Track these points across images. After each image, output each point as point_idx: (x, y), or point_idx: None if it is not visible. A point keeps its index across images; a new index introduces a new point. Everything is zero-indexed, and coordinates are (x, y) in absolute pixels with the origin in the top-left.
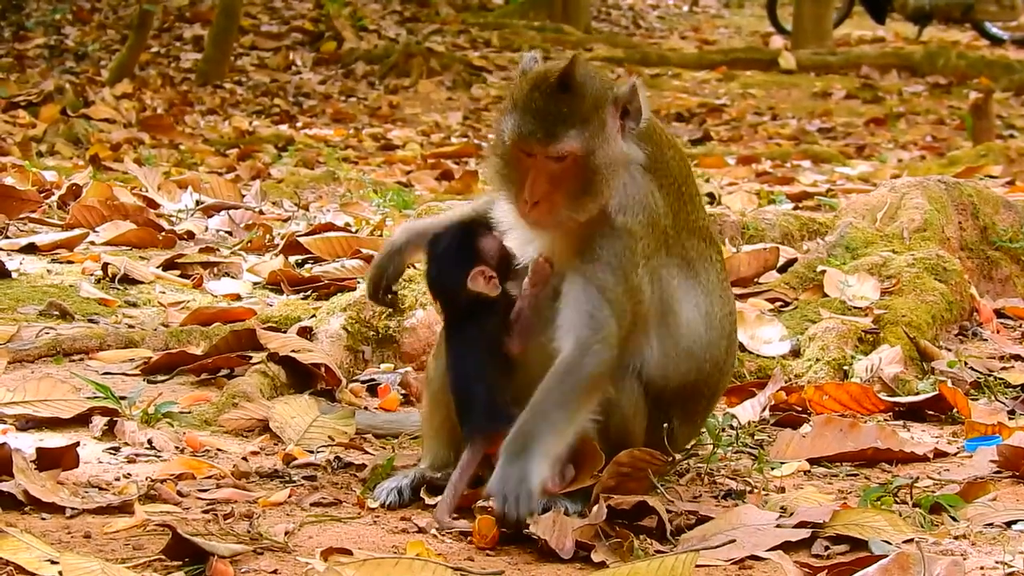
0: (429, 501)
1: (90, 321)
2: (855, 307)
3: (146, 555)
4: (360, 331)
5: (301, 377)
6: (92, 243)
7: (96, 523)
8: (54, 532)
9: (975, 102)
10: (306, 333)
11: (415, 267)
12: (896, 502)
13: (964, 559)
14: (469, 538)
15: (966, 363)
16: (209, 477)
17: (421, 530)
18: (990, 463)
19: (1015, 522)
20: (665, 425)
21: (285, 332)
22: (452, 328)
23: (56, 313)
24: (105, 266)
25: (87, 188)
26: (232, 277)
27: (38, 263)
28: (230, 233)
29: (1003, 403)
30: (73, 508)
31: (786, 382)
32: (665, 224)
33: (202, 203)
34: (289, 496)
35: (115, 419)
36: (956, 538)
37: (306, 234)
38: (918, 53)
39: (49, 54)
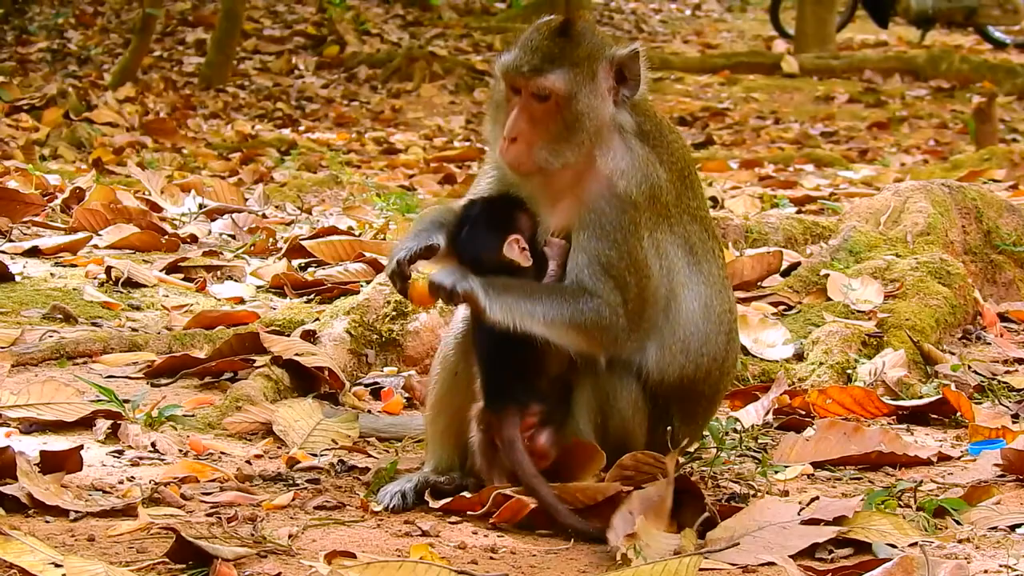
0: (432, 504)
1: (94, 324)
2: (858, 311)
3: (150, 558)
4: (364, 335)
5: (305, 380)
6: (95, 247)
7: (100, 526)
8: (58, 535)
9: (978, 106)
10: (309, 336)
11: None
12: (900, 506)
13: (968, 563)
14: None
15: (970, 367)
16: (213, 480)
17: (425, 533)
18: (994, 467)
19: (1019, 526)
20: (669, 428)
21: (288, 335)
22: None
23: (60, 316)
24: (108, 269)
25: (90, 192)
26: (235, 281)
27: (42, 266)
28: (233, 237)
29: (1007, 407)
30: (77, 511)
31: (790, 386)
32: (667, 200)
33: (205, 207)
34: (293, 499)
35: (119, 422)
36: (960, 542)
37: (309, 238)
38: (921, 57)
39: (52, 58)
